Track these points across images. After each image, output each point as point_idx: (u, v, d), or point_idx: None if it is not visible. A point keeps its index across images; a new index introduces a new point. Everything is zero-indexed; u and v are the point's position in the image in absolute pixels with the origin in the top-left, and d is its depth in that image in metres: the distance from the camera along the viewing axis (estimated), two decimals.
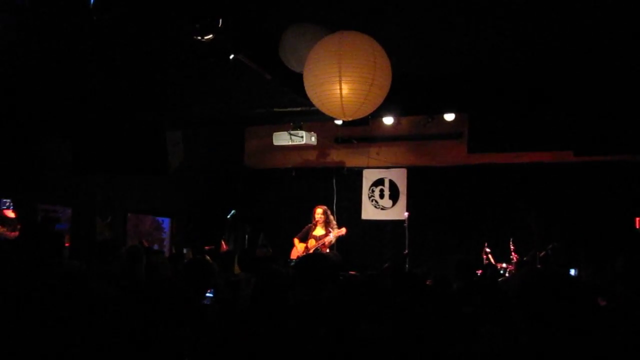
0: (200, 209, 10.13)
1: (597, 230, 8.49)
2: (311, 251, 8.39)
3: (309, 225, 8.74)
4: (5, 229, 6.34)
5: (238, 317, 3.63)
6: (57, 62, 5.62)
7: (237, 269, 5.91)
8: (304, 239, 8.65)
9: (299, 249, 8.53)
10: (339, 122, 8.19)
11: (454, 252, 8.60)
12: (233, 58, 4.44)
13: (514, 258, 7.83)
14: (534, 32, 5.02)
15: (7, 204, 6.81)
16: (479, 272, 7.15)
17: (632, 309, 2.91)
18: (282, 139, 8.27)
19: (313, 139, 8.35)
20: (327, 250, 8.51)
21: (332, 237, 8.50)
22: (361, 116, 4.23)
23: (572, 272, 6.95)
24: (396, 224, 9.61)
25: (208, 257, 4.12)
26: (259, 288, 3.54)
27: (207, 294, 4.34)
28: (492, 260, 7.96)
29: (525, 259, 7.45)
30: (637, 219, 8.02)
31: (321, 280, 3.31)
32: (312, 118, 7.50)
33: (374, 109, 4.19)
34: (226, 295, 4.70)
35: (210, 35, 3.68)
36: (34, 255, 3.63)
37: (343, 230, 8.59)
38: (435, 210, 9.72)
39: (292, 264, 7.53)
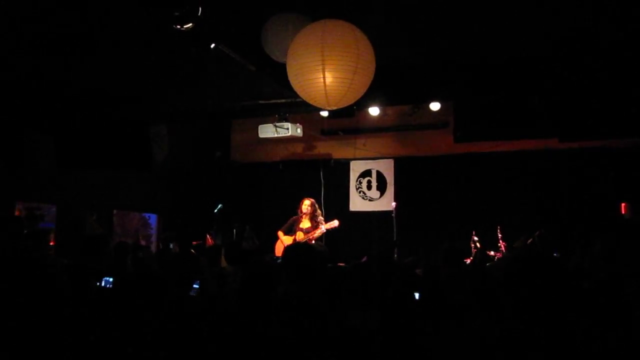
0: (187, 204, 10.07)
1: (584, 217, 8.54)
2: None
3: (294, 217, 8.68)
4: None
5: (225, 309, 3.60)
6: (39, 56, 5.54)
7: (223, 262, 5.88)
8: (288, 232, 8.59)
9: (284, 242, 8.47)
10: (324, 113, 8.17)
11: (442, 241, 8.61)
12: (214, 47, 4.38)
13: (502, 246, 7.86)
14: (517, 20, 5.01)
15: None
16: (468, 260, 7.16)
17: (609, 289, 2.92)
18: (267, 131, 8.22)
19: (299, 130, 8.31)
20: (313, 242, 8.49)
21: (323, 229, 8.44)
22: (345, 105, 4.20)
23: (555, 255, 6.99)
24: (384, 214, 9.61)
25: (194, 251, 4.10)
26: (246, 280, 3.52)
27: (194, 286, 4.31)
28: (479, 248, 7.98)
29: (513, 245, 7.48)
30: (623, 204, 8.07)
31: (308, 271, 3.28)
32: (298, 110, 7.47)
33: (358, 97, 4.16)
34: (213, 287, 4.67)
35: (190, 24, 3.63)
36: (12, 251, 3.58)
37: (335, 223, 8.53)
38: (423, 200, 9.73)
39: (277, 260, 7.49)
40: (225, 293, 4.53)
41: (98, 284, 4.48)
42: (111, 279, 4.57)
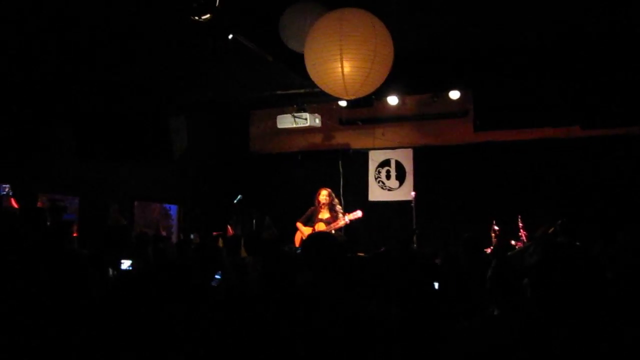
0: (207, 195, 10.13)
1: (607, 206, 8.42)
2: None
3: (312, 208, 8.69)
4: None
5: (246, 299, 3.62)
6: (60, 46, 5.59)
7: (243, 253, 5.91)
8: (307, 222, 8.61)
9: (303, 232, 8.48)
10: (343, 103, 8.15)
11: (462, 231, 8.56)
12: (232, 38, 4.38)
13: (523, 235, 7.79)
14: (538, 5, 4.94)
15: (7, 190, 6.81)
16: (488, 250, 7.11)
17: (633, 281, 2.88)
18: (286, 121, 8.23)
19: (317, 120, 8.30)
20: (334, 233, 8.50)
21: (347, 220, 8.43)
22: (364, 94, 4.18)
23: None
24: (403, 204, 9.58)
25: (215, 242, 4.13)
26: (266, 270, 3.53)
27: (216, 276, 4.35)
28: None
29: (535, 235, 7.40)
30: None
31: (329, 260, 3.28)
32: (316, 100, 7.45)
33: (377, 86, 4.14)
34: (233, 277, 4.70)
35: (208, 15, 3.63)
36: (36, 242, 3.63)
37: (359, 213, 8.51)
38: (442, 190, 9.68)
39: (298, 250, 7.50)
40: (246, 283, 4.56)
41: (115, 271, 4.53)
42: (129, 262, 4.62)
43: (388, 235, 9.66)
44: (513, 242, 7.72)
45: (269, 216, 9.38)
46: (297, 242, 8.46)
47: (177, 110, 7.70)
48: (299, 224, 8.70)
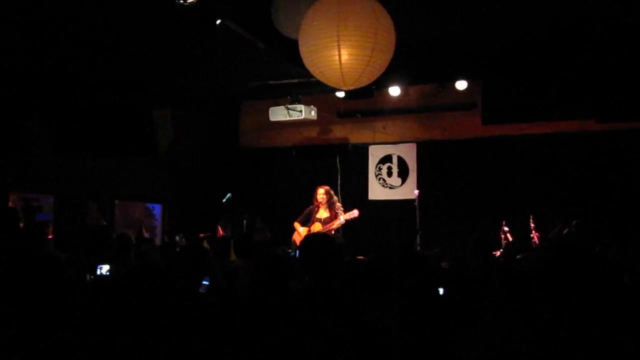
0: (193, 194, 10.11)
1: (623, 204, 8.44)
2: None
3: (311, 207, 8.68)
4: None
5: (236, 306, 3.61)
6: (36, 37, 5.57)
7: (233, 256, 5.90)
8: (305, 222, 8.60)
9: (301, 233, 8.48)
10: (340, 94, 8.14)
11: (469, 232, 8.57)
12: (220, 24, 4.37)
13: (535, 236, 7.80)
14: None
15: None
16: (498, 252, 7.11)
17: None
18: (279, 114, 8.21)
19: (313, 113, 8.28)
20: (332, 234, 8.49)
21: (342, 220, 8.43)
22: (363, 85, 4.18)
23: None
24: (406, 203, 9.57)
25: (202, 244, 4.11)
26: (258, 275, 3.52)
27: (203, 282, 4.34)
28: (510, 239, 7.93)
29: (548, 236, 7.42)
30: None
31: (326, 264, 3.28)
32: (311, 90, 7.44)
33: (377, 76, 4.14)
34: (222, 283, 4.69)
35: None
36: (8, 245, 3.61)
37: (355, 213, 8.51)
38: (448, 188, 9.68)
39: (292, 253, 7.50)
40: (235, 289, 4.55)
41: (92, 276, 4.51)
42: (107, 267, 4.60)
43: (389, 236, 9.67)
44: (524, 244, 7.74)
45: (261, 216, 9.38)
46: (294, 244, 8.48)
47: (162, 102, 7.69)
48: (296, 225, 8.70)
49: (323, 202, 8.61)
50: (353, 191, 10.17)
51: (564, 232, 7.05)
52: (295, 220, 8.78)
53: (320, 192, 8.63)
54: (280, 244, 8.45)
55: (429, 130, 10.05)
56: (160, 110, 7.71)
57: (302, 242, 3.40)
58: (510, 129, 9.08)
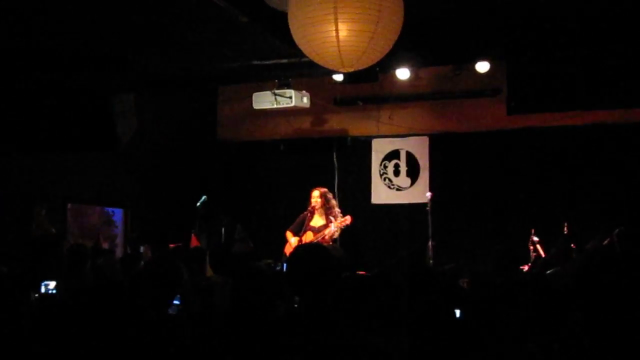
0: (161, 196, 10.10)
1: None
2: None
3: (304, 213, 8.69)
4: None
5: (212, 331, 3.61)
6: None
7: (209, 271, 5.90)
8: (298, 231, 8.62)
9: (292, 244, 8.49)
10: (338, 77, 8.13)
11: (491, 242, 8.59)
12: None
13: (570, 248, 7.82)
14: None
15: None
16: (526, 267, 7.13)
17: None
18: (264, 101, 8.21)
19: (305, 100, 8.28)
20: (330, 244, 8.49)
21: (333, 228, 8.45)
22: (365, 66, 4.18)
23: None
24: (416, 208, 9.58)
25: (172, 257, 4.11)
26: (238, 294, 3.52)
27: (174, 302, 4.35)
28: (541, 252, 7.95)
29: (585, 247, 7.44)
30: None
31: (319, 281, 3.28)
32: (304, 73, 7.43)
33: (382, 56, 4.14)
34: (196, 304, 4.69)
35: None
36: None
37: (347, 220, 8.56)
38: (466, 190, 9.70)
39: (279, 267, 7.51)
40: (211, 311, 4.56)
41: (36, 294, 4.51)
42: (53, 283, 4.60)
43: (396, 248, 9.67)
44: (557, 257, 7.76)
45: (243, 224, 9.38)
46: (284, 257, 8.50)
47: (124, 86, 7.67)
48: (288, 235, 8.71)
49: (318, 207, 8.62)
50: (353, 193, 10.19)
51: (605, 242, 7.07)
52: (283, 227, 8.78)
53: (315, 195, 8.65)
54: (265, 257, 8.46)
55: (444, 120, 10.06)
56: (121, 96, 7.68)
57: (291, 254, 3.40)
58: (542, 120, 9.10)
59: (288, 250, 8.54)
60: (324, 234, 8.46)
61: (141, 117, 8.12)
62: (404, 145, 10.30)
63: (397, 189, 10.28)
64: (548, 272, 5.33)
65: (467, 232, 9.47)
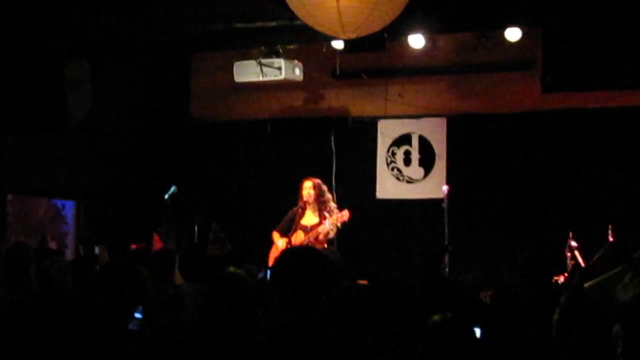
0: (121, 187, 10.08)
1: None
2: None
3: (294, 209, 8.69)
4: None
5: (180, 351, 3.62)
6: None
7: (178, 278, 5.91)
8: (287, 231, 8.62)
9: (280, 247, 8.48)
10: (338, 44, 8.12)
11: (520, 247, 8.60)
12: None
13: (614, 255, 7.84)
14: None
15: None
16: (561, 277, 7.14)
17: None
18: (248, 72, 8.20)
19: (298, 71, 8.28)
20: (325, 246, 8.46)
21: (328, 226, 8.43)
22: (370, 32, 4.18)
23: None
24: (430, 205, 9.60)
25: (135, 261, 4.12)
26: (212, 306, 3.53)
27: (135, 315, 4.36)
28: (580, 260, 7.96)
29: (634, 256, 7.46)
30: None
31: (311, 292, 3.29)
32: (296, 39, 7.43)
33: (390, 21, 4.14)
34: (162, 317, 4.70)
35: None
36: None
37: (345, 215, 8.54)
38: (491, 184, 9.69)
39: (262, 274, 7.52)
40: (180, 325, 4.56)
41: None
42: None
43: (406, 253, 9.68)
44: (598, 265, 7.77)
45: (219, 221, 9.36)
46: (270, 262, 8.47)
47: (77, 52, 7.65)
48: (275, 235, 8.69)
49: (310, 202, 8.61)
50: (354, 186, 10.19)
51: None
52: (272, 227, 8.77)
53: (307, 187, 8.63)
54: (246, 262, 8.45)
55: (465, 99, 10.05)
56: (74, 65, 7.66)
57: (277, 259, 3.40)
58: (583, 99, 9.09)
59: (274, 254, 8.53)
60: (317, 232, 8.44)
61: (98, 91, 8.09)
62: (417, 128, 10.29)
63: (408, 181, 10.28)
64: (587, 284, 5.33)
65: (490, 235, 9.46)
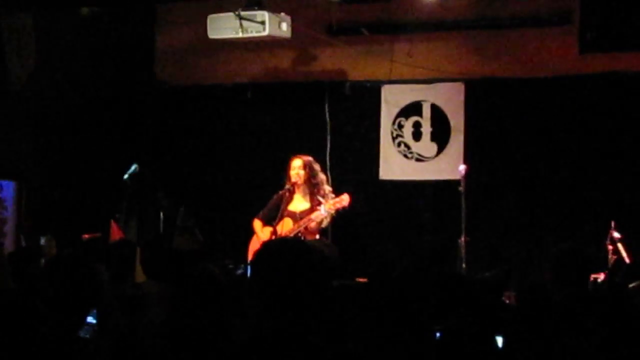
0: (70, 165, 10.07)
1: None
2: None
3: (281, 192, 8.69)
4: None
5: None
6: None
7: (140, 275, 5.92)
8: (271, 219, 8.63)
9: (262, 237, 8.50)
10: None
11: (551, 239, 8.64)
12: None
13: None
14: None
15: None
16: (600, 275, 7.17)
17: None
18: (224, 27, 8.17)
19: (285, 26, 8.26)
20: (317, 237, 8.49)
21: (323, 212, 8.45)
22: None
23: None
24: (444, 188, 9.62)
25: (87, 254, 4.14)
26: (181, 309, 3.54)
27: (88, 320, 4.37)
28: (623, 254, 7.99)
29: None
30: None
31: (299, 292, 3.30)
32: None
33: None
34: (120, 322, 4.71)
35: None
36: None
37: (344, 200, 8.54)
38: (517, 162, 9.70)
39: (241, 271, 7.54)
40: (141, 331, 4.58)
41: None
42: None
43: (414, 244, 9.70)
44: None
45: (189, 206, 9.36)
46: (250, 256, 8.48)
47: (16, 2, 7.63)
48: (255, 224, 8.70)
49: (300, 183, 8.62)
50: (352, 165, 10.21)
51: None
52: (252, 214, 8.78)
53: (296, 166, 8.64)
54: (221, 256, 8.47)
55: (487, 60, 10.05)
56: (13, 18, 7.64)
57: (258, 253, 3.41)
58: (629, 61, 9.11)
59: (255, 246, 8.53)
60: (309, 220, 8.44)
61: (43, 49, 8.08)
62: (429, 95, 10.28)
63: (418, 159, 10.28)
64: (632, 285, 5.36)
65: (515, 224, 9.49)
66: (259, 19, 8.04)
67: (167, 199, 9.38)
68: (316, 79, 10.57)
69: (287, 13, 8.40)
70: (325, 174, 9.07)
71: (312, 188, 8.62)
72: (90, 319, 4.43)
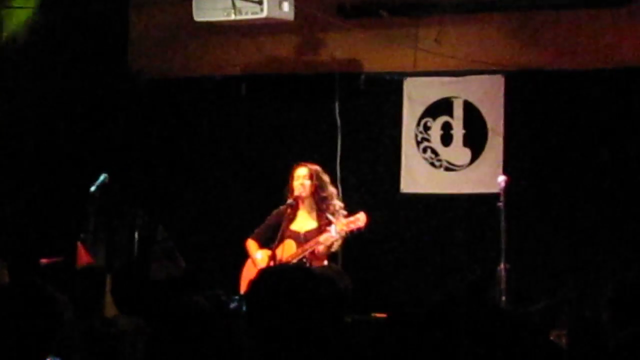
0: (28, 173, 10.11)
1: None
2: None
3: (281, 208, 8.72)
4: None
5: None
6: None
7: (110, 309, 5.93)
8: (269, 240, 8.65)
9: (258, 263, 8.53)
10: None
11: (609, 266, 8.64)
12: None
13: None
14: None
15: None
16: None
17: None
18: (214, 7, 8.21)
19: (287, 7, 8.30)
20: (325, 263, 8.50)
21: (334, 234, 8.45)
22: None
23: None
24: (480, 203, 9.63)
25: (46, 283, 4.14)
26: (160, 350, 3.54)
27: None
28: None
29: None
30: None
31: (304, 331, 3.31)
32: None
33: None
34: None
35: None
36: None
37: (360, 220, 8.54)
38: (567, 172, 9.72)
39: (234, 304, 7.55)
40: None
41: None
42: None
43: (443, 272, 9.71)
44: None
45: (169, 225, 9.39)
46: (245, 285, 8.48)
47: None
48: (249, 245, 8.73)
49: (305, 196, 8.64)
50: (368, 174, 10.22)
51: None
52: (247, 234, 8.80)
53: (300, 175, 8.66)
54: (210, 285, 8.48)
55: (532, 48, 10.08)
56: None
57: (253, 283, 3.41)
58: None
59: (249, 273, 8.55)
60: (317, 242, 8.44)
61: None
62: (461, 90, 10.32)
63: (447, 168, 10.31)
64: None
65: (566, 247, 9.49)
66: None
67: (142, 216, 9.40)
68: (325, 71, 10.60)
69: None
70: (336, 186, 9.09)
71: (320, 203, 8.63)
72: None
